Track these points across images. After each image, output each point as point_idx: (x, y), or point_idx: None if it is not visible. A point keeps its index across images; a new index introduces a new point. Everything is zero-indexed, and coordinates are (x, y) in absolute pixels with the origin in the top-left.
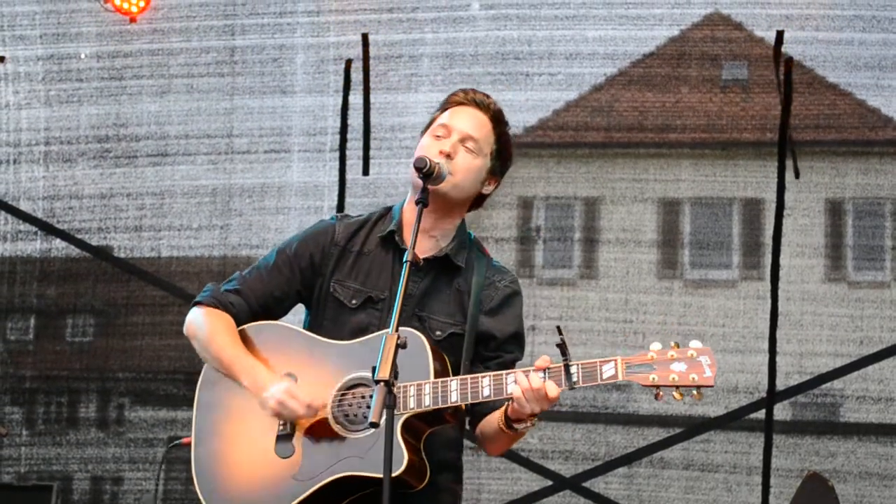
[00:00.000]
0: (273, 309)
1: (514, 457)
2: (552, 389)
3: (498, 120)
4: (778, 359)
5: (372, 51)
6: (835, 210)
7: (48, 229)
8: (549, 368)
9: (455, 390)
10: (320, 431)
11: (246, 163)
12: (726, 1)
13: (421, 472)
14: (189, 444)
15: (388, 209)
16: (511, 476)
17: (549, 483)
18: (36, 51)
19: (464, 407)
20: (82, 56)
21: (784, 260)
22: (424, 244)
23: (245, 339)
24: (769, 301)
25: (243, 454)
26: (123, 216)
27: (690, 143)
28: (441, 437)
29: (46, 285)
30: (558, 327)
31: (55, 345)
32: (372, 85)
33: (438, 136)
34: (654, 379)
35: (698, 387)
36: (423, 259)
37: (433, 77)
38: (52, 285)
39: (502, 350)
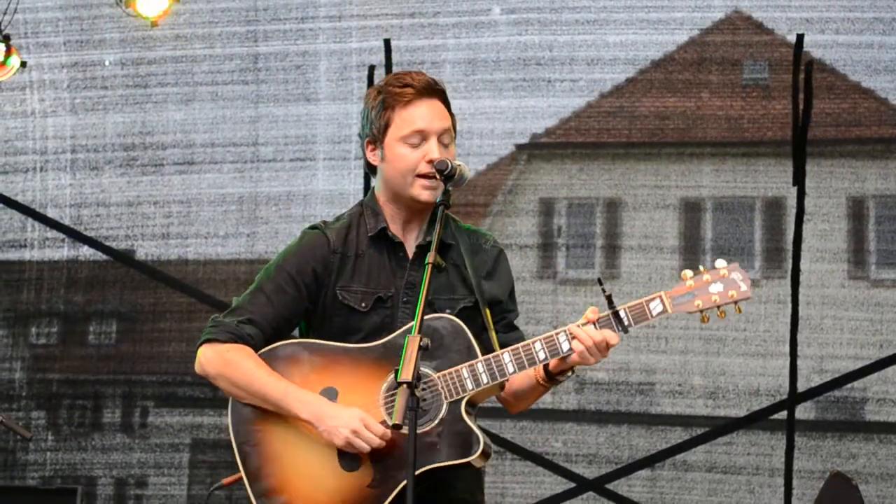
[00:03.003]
0: (284, 331)
1: (537, 460)
2: (612, 337)
3: (446, 98)
4: (799, 362)
5: (394, 57)
6: (856, 212)
7: (75, 236)
8: (599, 318)
9: (510, 361)
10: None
11: (272, 171)
12: (746, 4)
13: (489, 450)
14: (231, 483)
15: (362, 205)
16: (535, 479)
17: (573, 485)
18: (60, 58)
19: (508, 378)
20: (106, 63)
21: (804, 264)
22: (410, 236)
23: (271, 363)
24: (790, 305)
25: (309, 478)
26: (150, 223)
27: (712, 145)
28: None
29: (73, 291)
30: (599, 279)
31: (81, 350)
32: None
33: (415, 145)
34: (699, 305)
35: (737, 301)
36: (417, 247)
37: (455, 83)
38: (78, 291)
39: (505, 311)
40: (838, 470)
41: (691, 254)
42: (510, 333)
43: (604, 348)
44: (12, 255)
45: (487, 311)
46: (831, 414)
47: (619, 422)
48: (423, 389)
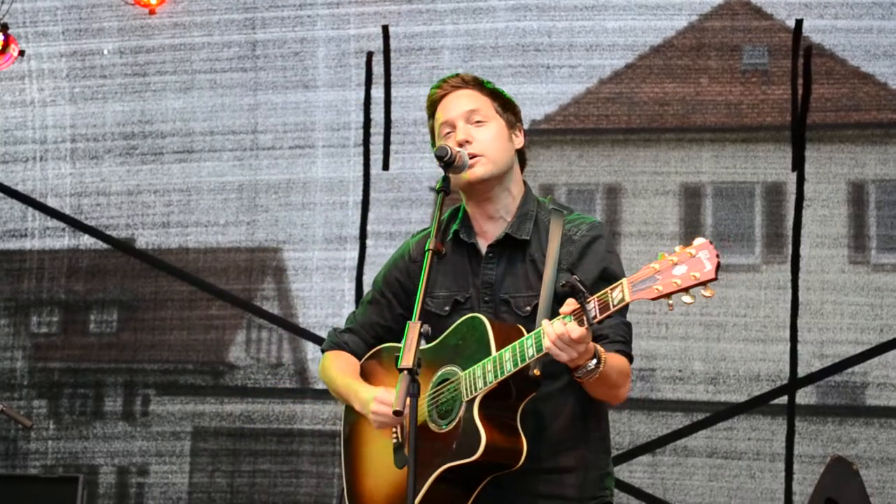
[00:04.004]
0: (384, 337)
1: None
2: (574, 331)
3: (479, 83)
4: (799, 347)
5: (393, 43)
6: (855, 197)
7: (76, 225)
8: (573, 312)
9: (509, 359)
10: (422, 434)
11: (271, 158)
12: None
13: (510, 451)
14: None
15: (456, 209)
16: None
17: None
18: (59, 47)
19: (538, 373)
20: (105, 52)
21: (804, 249)
22: (493, 230)
23: (368, 367)
24: (790, 290)
25: (374, 474)
26: (150, 212)
27: (711, 131)
28: (560, 414)
29: (74, 280)
30: (569, 269)
31: (82, 339)
32: (393, 78)
33: (448, 134)
34: (658, 290)
35: (702, 283)
36: (490, 245)
37: (454, 70)
38: (79, 280)
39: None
40: (839, 454)
41: (691, 240)
42: None
43: (569, 342)
44: (13, 244)
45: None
46: (832, 399)
47: (619, 408)
48: (451, 389)
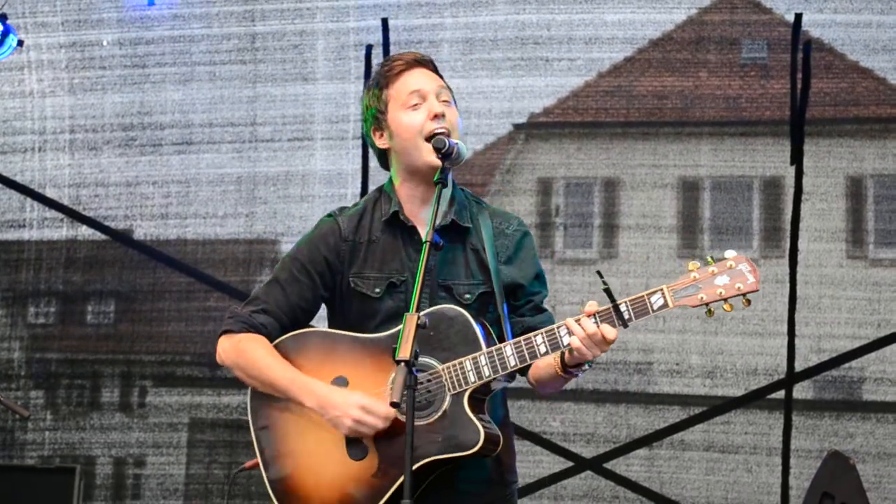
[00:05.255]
0: (301, 319)
1: (535, 439)
2: (610, 332)
3: (436, 67)
4: (797, 341)
5: (392, 36)
6: (854, 192)
7: (74, 216)
8: (598, 312)
9: (512, 354)
10: (388, 426)
11: (270, 151)
12: None
13: (495, 441)
14: (253, 467)
15: (380, 191)
16: (532, 458)
17: (571, 465)
18: (58, 38)
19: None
20: (104, 43)
21: (802, 243)
22: (425, 214)
23: (285, 352)
24: (788, 284)
25: (319, 466)
26: (149, 203)
27: (710, 124)
28: (495, 398)
29: (72, 271)
30: (598, 272)
31: (79, 329)
32: None
33: (415, 105)
34: (702, 298)
35: (744, 294)
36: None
37: (453, 63)
38: (77, 271)
39: (530, 294)
40: (836, 449)
41: (689, 233)
42: (537, 316)
43: (600, 342)
44: (11, 235)
45: (499, 299)
46: (829, 393)
47: (616, 401)
48: (429, 381)
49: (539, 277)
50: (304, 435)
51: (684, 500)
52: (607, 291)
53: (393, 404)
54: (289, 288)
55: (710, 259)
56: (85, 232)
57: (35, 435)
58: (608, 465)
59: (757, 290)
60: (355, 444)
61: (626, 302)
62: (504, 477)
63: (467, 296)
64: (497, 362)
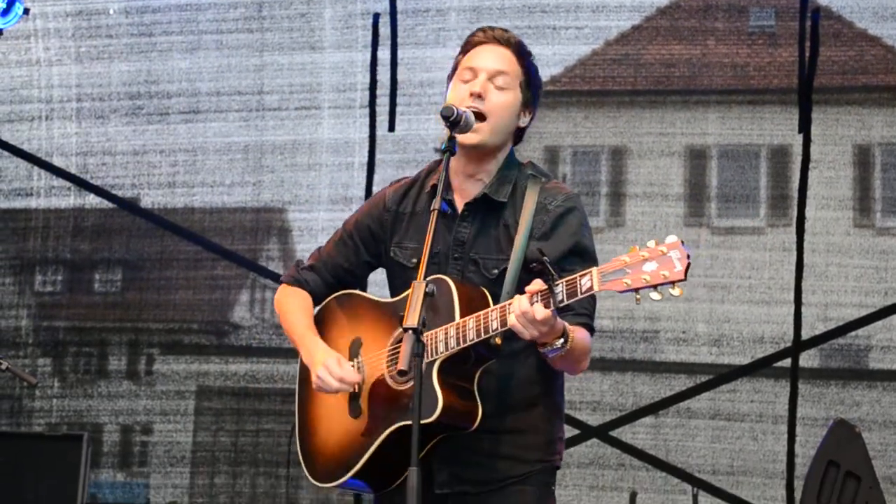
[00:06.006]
0: (346, 279)
1: None
2: (538, 312)
3: (521, 51)
4: (803, 309)
5: (399, 4)
6: (861, 160)
7: (82, 185)
8: (540, 292)
9: (472, 328)
10: (380, 388)
11: (277, 119)
12: None
13: (466, 414)
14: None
15: (438, 163)
16: None
17: (577, 433)
18: (65, 6)
19: (498, 341)
20: (111, 11)
21: (810, 212)
22: (471, 189)
23: (325, 312)
24: (795, 252)
25: (326, 422)
26: (156, 172)
27: (717, 93)
28: (517, 376)
29: (79, 240)
30: (539, 249)
31: (87, 298)
32: (399, 40)
33: (466, 80)
34: (627, 283)
35: (671, 282)
36: (466, 203)
37: (461, 31)
38: (84, 240)
39: (561, 270)
40: (842, 417)
41: (696, 201)
42: None
43: (532, 321)
44: (19, 203)
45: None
46: (835, 361)
47: (623, 369)
48: None
49: (575, 253)
50: (320, 395)
51: (690, 468)
52: (542, 268)
53: (400, 372)
54: (335, 250)
55: (650, 244)
56: (92, 200)
57: (43, 402)
58: (614, 433)
59: (684, 280)
60: (354, 402)
61: (562, 283)
62: (530, 454)
63: (494, 270)
64: (460, 335)
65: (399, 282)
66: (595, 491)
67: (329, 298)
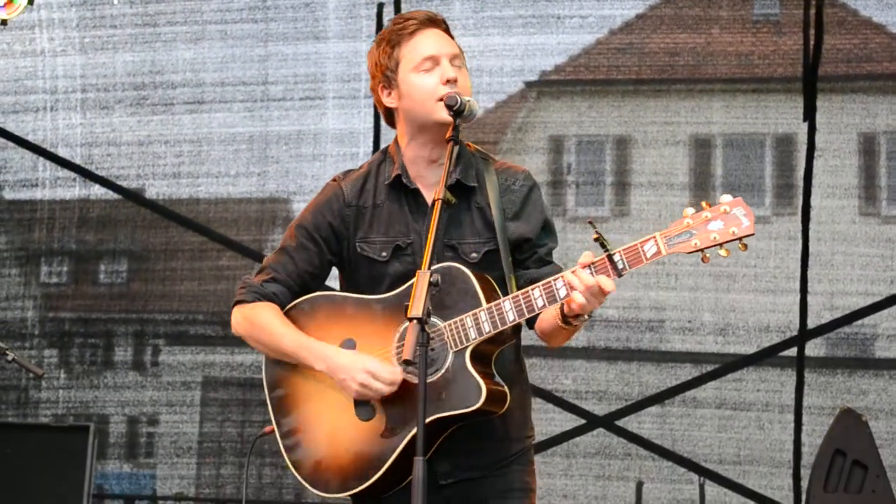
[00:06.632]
0: (310, 285)
1: (547, 396)
2: (607, 284)
3: (448, 27)
4: (809, 298)
5: None
6: (867, 148)
7: (87, 175)
8: (593, 263)
9: (510, 309)
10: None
11: (282, 110)
12: None
13: (501, 398)
14: (271, 433)
15: (385, 153)
16: (545, 416)
17: (583, 422)
18: None
19: (522, 320)
20: (115, 2)
21: (815, 200)
22: (434, 176)
23: (296, 317)
24: (800, 241)
25: (330, 430)
26: (161, 163)
27: (722, 81)
28: (504, 356)
29: (85, 231)
30: (591, 222)
31: (92, 289)
32: None
33: (428, 70)
34: (696, 244)
35: (739, 238)
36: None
37: (465, 21)
38: (90, 231)
39: (536, 246)
40: (848, 406)
41: (701, 190)
42: (542, 269)
43: (597, 293)
44: (23, 194)
45: (504, 256)
46: (841, 350)
47: (628, 359)
48: (432, 339)
49: (546, 229)
50: (314, 399)
51: (696, 458)
52: (600, 241)
53: (406, 362)
54: (296, 255)
55: (704, 204)
56: (97, 191)
57: (49, 393)
58: (620, 423)
59: (752, 234)
60: (363, 404)
61: (619, 252)
62: (518, 433)
63: (473, 255)
64: (496, 317)
65: (365, 277)
66: (601, 480)
67: (295, 304)
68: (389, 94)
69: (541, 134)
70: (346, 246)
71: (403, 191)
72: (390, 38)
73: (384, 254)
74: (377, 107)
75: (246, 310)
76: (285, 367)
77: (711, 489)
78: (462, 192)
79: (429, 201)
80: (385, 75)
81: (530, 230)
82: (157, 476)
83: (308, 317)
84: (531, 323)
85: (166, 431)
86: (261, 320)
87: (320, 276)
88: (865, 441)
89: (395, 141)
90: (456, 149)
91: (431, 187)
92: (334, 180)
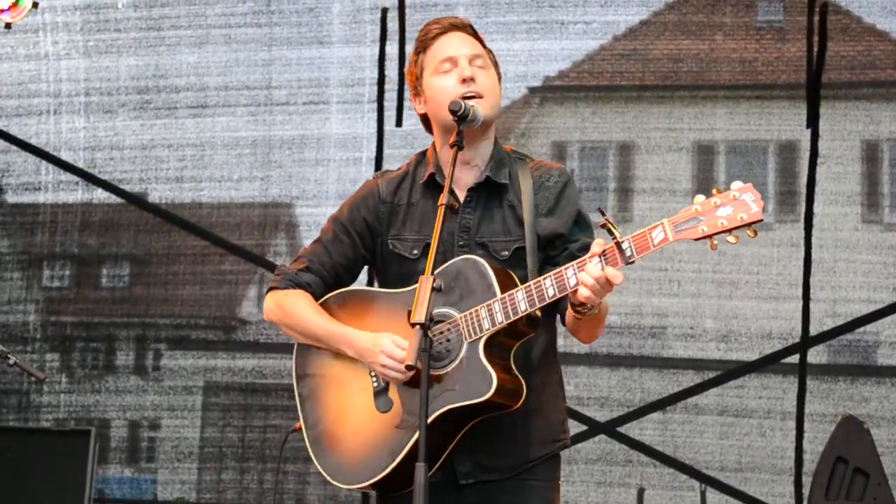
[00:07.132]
0: (344, 277)
1: None
2: (614, 276)
3: (477, 35)
4: (811, 305)
5: None
6: (870, 155)
7: (89, 179)
8: (604, 252)
9: (522, 299)
10: (412, 377)
11: (285, 114)
12: None
13: (514, 391)
14: (300, 430)
15: (423, 154)
16: None
17: (584, 428)
18: (73, 0)
19: (538, 314)
20: (119, 6)
21: (818, 207)
22: (468, 176)
23: (328, 310)
24: (803, 248)
25: (351, 421)
26: (164, 167)
27: (725, 88)
28: (534, 353)
29: (87, 234)
30: (600, 209)
31: (94, 293)
32: (408, 35)
33: (447, 71)
34: (703, 230)
35: (748, 224)
36: (468, 189)
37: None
38: (92, 234)
39: (568, 241)
40: (850, 413)
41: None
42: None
43: (605, 284)
44: (26, 197)
45: (531, 253)
46: (843, 357)
47: (630, 365)
48: (448, 330)
49: (580, 223)
50: (336, 390)
51: (698, 465)
52: (608, 228)
53: (408, 367)
54: (331, 247)
55: (714, 191)
56: (100, 195)
57: (50, 398)
58: (622, 429)
59: (761, 220)
60: (381, 396)
61: (628, 239)
62: (543, 436)
63: (504, 252)
64: (509, 308)
65: (396, 274)
66: (603, 487)
67: (327, 297)
68: (419, 101)
69: (544, 139)
70: (380, 242)
71: (438, 190)
72: (417, 45)
73: (415, 251)
74: (417, 115)
75: (279, 296)
76: (313, 359)
77: (713, 496)
78: (494, 190)
79: (462, 198)
80: (413, 83)
81: (562, 224)
82: (159, 481)
83: (339, 310)
84: (563, 322)
85: (167, 436)
86: (293, 306)
87: (353, 270)
88: (867, 448)
89: (433, 143)
90: (486, 149)
91: (464, 188)
92: (373, 178)
